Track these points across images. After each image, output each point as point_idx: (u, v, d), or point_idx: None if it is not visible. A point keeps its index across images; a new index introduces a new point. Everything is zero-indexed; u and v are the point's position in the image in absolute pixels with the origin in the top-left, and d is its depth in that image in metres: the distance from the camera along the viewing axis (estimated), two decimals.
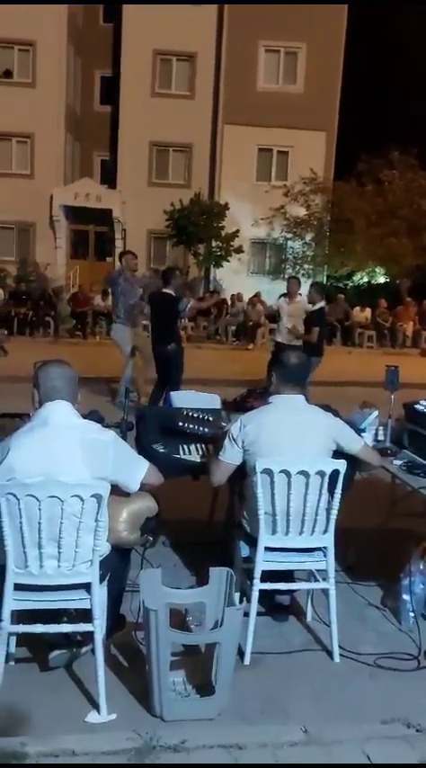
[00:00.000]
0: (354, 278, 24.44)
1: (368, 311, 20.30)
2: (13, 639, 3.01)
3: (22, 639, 3.08)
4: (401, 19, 27.73)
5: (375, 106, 28.77)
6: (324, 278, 22.45)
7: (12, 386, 7.15)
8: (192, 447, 3.97)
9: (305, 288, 10.46)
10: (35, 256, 24.02)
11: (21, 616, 2.84)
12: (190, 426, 3.96)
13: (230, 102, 23.92)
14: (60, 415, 2.81)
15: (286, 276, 18.90)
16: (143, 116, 23.77)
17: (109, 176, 25.76)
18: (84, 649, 3.05)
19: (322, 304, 9.24)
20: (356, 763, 2.54)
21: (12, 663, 2.99)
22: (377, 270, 24.22)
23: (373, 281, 24.56)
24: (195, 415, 4.02)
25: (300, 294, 9.91)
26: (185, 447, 3.95)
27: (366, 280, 24.61)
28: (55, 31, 23.54)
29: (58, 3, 23.05)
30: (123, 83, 24.32)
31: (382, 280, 24.60)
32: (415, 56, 28.11)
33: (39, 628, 2.81)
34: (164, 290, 8.15)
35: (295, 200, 22.86)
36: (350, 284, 24.24)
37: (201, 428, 3.97)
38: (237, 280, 22.64)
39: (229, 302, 20.24)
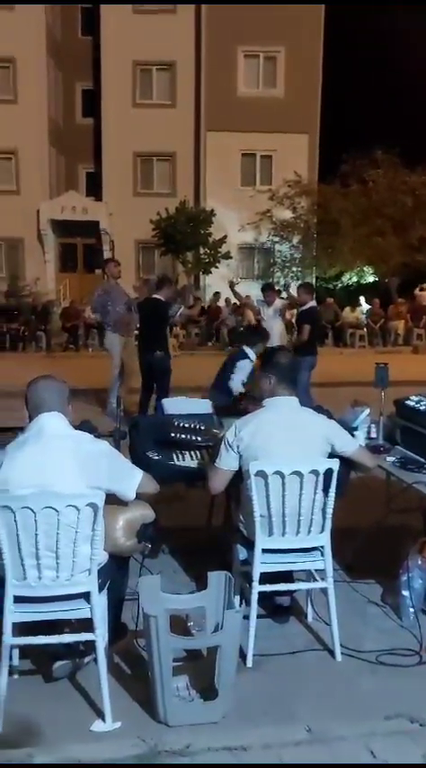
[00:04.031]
0: (343, 278, 24.50)
1: (358, 311, 20.34)
2: (16, 652, 3.02)
3: (25, 652, 3.09)
4: (379, 18, 27.94)
5: (356, 106, 28.98)
6: (313, 280, 22.51)
7: (4, 401, 7.12)
8: (187, 454, 3.98)
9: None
10: (25, 271, 24.04)
11: (22, 628, 2.85)
12: (182, 436, 3.95)
13: (212, 109, 24.02)
14: (53, 426, 2.83)
15: (275, 279, 18.94)
16: (125, 127, 23.87)
17: (94, 188, 25.81)
18: (86, 659, 3.06)
19: (312, 303, 9.28)
20: (360, 763, 2.55)
21: (15, 676, 3.00)
22: (365, 269, 24.29)
23: (362, 281, 24.63)
24: (187, 425, 4.01)
25: (281, 298, 9.97)
26: (179, 454, 3.96)
27: (355, 280, 24.67)
28: (34, 46, 23.65)
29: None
30: (104, 95, 24.42)
31: (371, 279, 24.68)
32: (395, 54, 28.32)
33: (40, 639, 2.82)
34: (155, 296, 8.20)
35: (280, 204, 22.92)
36: (340, 285, 24.29)
37: (194, 437, 3.97)
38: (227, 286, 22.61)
39: (228, 307, 20.14)
